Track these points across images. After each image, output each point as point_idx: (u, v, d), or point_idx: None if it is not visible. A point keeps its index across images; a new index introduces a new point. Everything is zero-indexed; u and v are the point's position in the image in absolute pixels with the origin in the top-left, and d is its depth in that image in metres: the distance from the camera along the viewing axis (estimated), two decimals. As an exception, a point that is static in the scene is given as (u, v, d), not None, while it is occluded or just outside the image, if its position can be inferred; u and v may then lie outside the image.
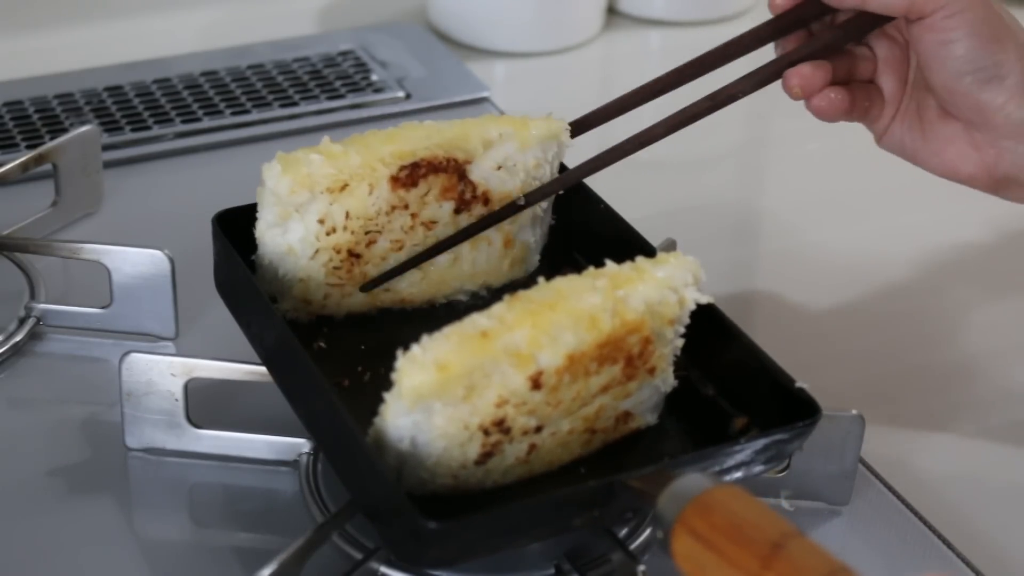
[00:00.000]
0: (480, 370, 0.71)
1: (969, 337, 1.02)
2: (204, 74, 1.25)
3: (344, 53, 1.29)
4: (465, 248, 0.86)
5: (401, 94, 1.24)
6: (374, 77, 1.26)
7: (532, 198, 0.85)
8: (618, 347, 0.75)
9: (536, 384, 0.73)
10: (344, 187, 0.81)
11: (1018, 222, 1.11)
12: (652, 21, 1.40)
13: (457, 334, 0.72)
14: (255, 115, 1.20)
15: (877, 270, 1.07)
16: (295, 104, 1.22)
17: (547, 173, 0.86)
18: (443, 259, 0.86)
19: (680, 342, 0.79)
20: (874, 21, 0.82)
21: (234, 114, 1.20)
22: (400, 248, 0.84)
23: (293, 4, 1.41)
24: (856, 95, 0.83)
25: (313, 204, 0.81)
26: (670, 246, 0.94)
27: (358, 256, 0.83)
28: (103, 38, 1.33)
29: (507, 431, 0.73)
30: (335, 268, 0.83)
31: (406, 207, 0.83)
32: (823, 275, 1.06)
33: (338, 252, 0.83)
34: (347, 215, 0.82)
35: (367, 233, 0.83)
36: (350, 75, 1.26)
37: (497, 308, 0.73)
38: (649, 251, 0.82)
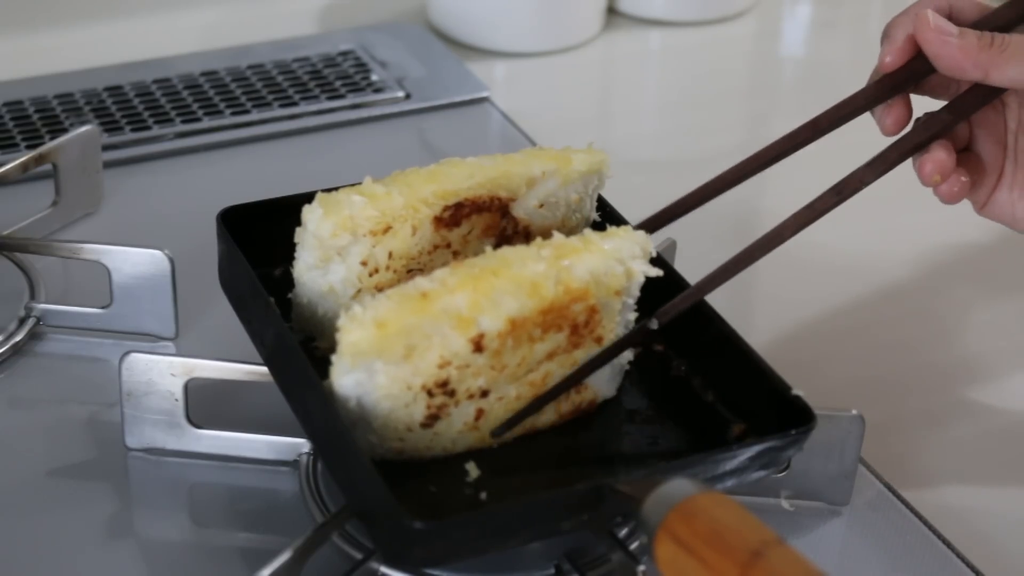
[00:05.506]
0: (419, 330, 0.72)
1: (969, 337, 1.02)
2: (204, 74, 1.25)
3: (344, 53, 1.29)
4: None
5: (401, 94, 1.24)
6: (374, 77, 1.26)
7: (663, 318, 0.77)
8: (562, 315, 0.76)
9: (478, 347, 0.74)
10: (387, 229, 0.80)
11: (1018, 222, 1.11)
12: (652, 21, 1.40)
13: (398, 295, 0.73)
14: (255, 115, 1.20)
15: (877, 270, 1.07)
16: (295, 104, 1.22)
17: (587, 206, 0.85)
18: None
19: (632, 315, 0.79)
20: (990, 93, 0.77)
21: (234, 114, 1.20)
22: None
23: (293, 4, 1.41)
24: (967, 169, 0.79)
25: (355, 247, 0.80)
26: (670, 247, 0.94)
27: None
28: (103, 38, 1.33)
29: (451, 393, 0.74)
30: None
31: (448, 245, 0.82)
32: (823, 275, 1.06)
33: (380, 290, 0.81)
34: (390, 255, 0.81)
35: (409, 271, 0.82)
36: (350, 75, 1.26)
37: (440, 272, 0.74)
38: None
